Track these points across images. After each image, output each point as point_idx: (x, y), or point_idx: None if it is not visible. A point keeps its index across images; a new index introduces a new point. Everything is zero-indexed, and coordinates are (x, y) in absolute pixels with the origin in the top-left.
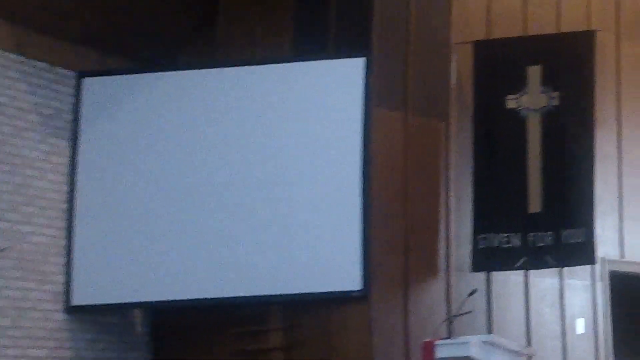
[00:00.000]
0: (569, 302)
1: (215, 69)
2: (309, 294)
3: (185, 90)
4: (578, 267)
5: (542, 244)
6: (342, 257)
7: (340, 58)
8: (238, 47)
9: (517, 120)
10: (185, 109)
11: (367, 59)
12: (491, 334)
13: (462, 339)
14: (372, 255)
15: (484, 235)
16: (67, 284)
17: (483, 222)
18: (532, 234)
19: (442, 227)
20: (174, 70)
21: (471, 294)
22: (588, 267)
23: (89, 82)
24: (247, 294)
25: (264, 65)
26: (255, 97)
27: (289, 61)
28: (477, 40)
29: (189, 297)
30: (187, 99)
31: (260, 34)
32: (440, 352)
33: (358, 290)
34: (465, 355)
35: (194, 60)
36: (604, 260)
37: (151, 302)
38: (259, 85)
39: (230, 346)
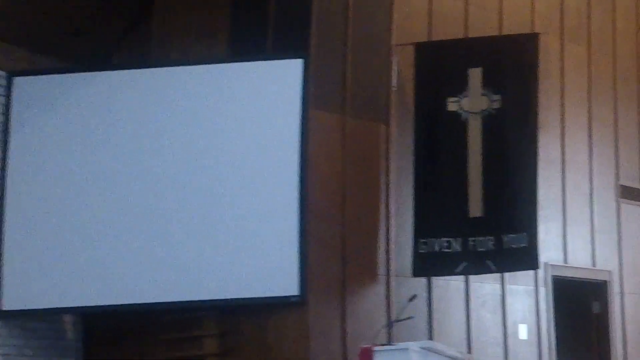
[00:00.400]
0: (510, 308)
1: (149, 69)
2: (245, 299)
3: (119, 91)
4: (520, 273)
5: (483, 249)
6: (280, 262)
7: (277, 59)
8: (173, 47)
9: (458, 123)
10: (118, 109)
11: (305, 61)
12: (431, 340)
13: (401, 344)
14: (310, 260)
15: (424, 240)
16: None
17: (424, 226)
18: (473, 238)
19: (382, 232)
20: (108, 70)
21: (411, 299)
22: (531, 272)
23: (19, 82)
24: (182, 299)
25: (199, 65)
26: (191, 98)
27: (225, 62)
28: (418, 42)
29: (121, 302)
30: (120, 100)
31: (196, 34)
32: (379, 359)
33: (295, 296)
34: None
35: (128, 60)
36: (547, 265)
37: (82, 307)
38: (195, 86)
39: (164, 353)
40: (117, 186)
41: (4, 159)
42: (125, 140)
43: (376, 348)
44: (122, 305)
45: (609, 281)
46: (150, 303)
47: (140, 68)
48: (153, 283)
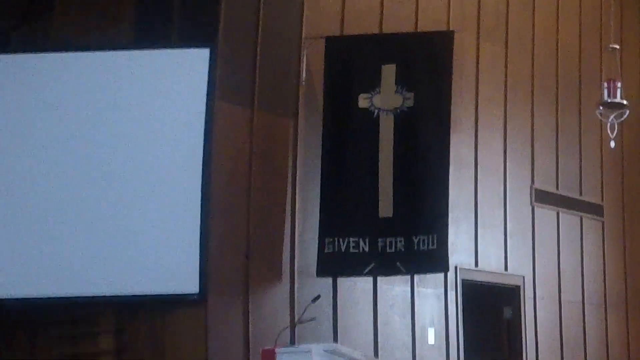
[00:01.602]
0: (419, 311)
1: (50, 53)
2: (142, 295)
3: (18, 75)
4: (430, 275)
5: (392, 250)
6: (180, 258)
7: (184, 48)
8: (75, 32)
9: (369, 120)
10: (17, 94)
11: (212, 50)
12: (336, 343)
13: (304, 346)
14: (210, 257)
15: (331, 239)
16: None
17: (330, 225)
18: (382, 239)
19: (287, 229)
20: (5, 53)
21: (315, 299)
22: (440, 275)
23: None
24: (77, 294)
25: (102, 51)
26: (94, 86)
27: (129, 49)
28: (329, 36)
29: (11, 295)
30: (19, 84)
31: (98, 20)
32: None
33: (195, 294)
34: None
35: (28, 43)
36: (457, 268)
37: None
38: (97, 72)
39: (57, 349)
40: (14, 176)
41: None
42: (23, 128)
43: (278, 350)
44: (13, 299)
45: (522, 286)
46: (43, 297)
47: (40, 52)
48: (47, 276)
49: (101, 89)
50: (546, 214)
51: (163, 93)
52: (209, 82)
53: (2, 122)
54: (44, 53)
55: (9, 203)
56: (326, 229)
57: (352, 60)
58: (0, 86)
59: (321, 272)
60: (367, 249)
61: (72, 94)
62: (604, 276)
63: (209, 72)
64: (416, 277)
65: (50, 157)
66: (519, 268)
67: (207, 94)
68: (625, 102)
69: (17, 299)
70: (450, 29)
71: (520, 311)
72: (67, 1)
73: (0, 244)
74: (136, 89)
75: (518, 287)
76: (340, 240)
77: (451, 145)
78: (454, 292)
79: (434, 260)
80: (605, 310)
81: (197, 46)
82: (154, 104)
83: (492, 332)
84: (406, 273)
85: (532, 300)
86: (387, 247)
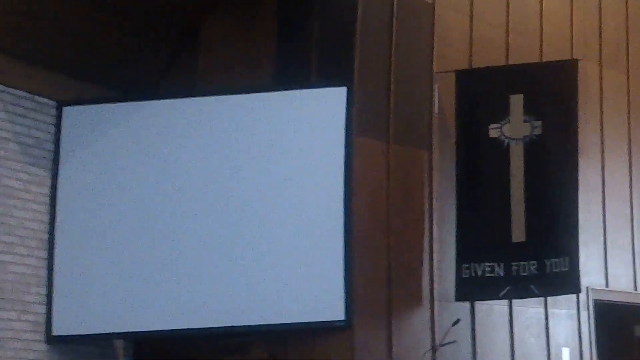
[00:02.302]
0: (553, 332)
1: (196, 98)
2: (291, 324)
3: (166, 120)
4: (562, 297)
5: (525, 273)
6: (325, 287)
7: (321, 87)
8: (219, 76)
9: (499, 149)
10: (166, 138)
11: (349, 88)
12: None
13: None
14: (355, 285)
15: (467, 265)
16: (48, 314)
17: (467, 251)
18: (515, 263)
19: (425, 257)
20: (155, 99)
21: (455, 323)
22: (572, 296)
23: (69, 111)
24: (230, 325)
25: (245, 94)
26: (237, 127)
27: (270, 90)
28: (459, 70)
29: (171, 327)
30: (168, 128)
31: (241, 63)
32: None
33: (341, 321)
34: None
35: (174, 89)
36: (588, 289)
37: (132, 332)
38: (240, 114)
39: None
40: (166, 214)
41: (55, 187)
42: (172, 169)
43: None
44: (172, 330)
45: None
46: (199, 328)
47: (186, 97)
48: (203, 308)
49: (244, 130)
50: None
51: (303, 131)
52: (346, 119)
53: (153, 163)
54: (189, 98)
55: (169, 240)
56: (463, 255)
57: (482, 91)
58: (149, 130)
59: (459, 296)
60: (502, 273)
61: (216, 136)
62: None
63: (346, 109)
64: (549, 298)
65: (201, 196)
66: None
67: (346, 130)
68: None
69: (177, 330)
70: (574, 57)
71: None
72: (210, 48)
73: (161, 279)
74: (278, 128)
75: None
76: (477, 265)
77: (579, 169)
78: (586, 313)
79: (566, 282)
80: None
81: (334, 85)
82: (294, 142)
83: (624, 351)
84: (540, 295)
85: None
86: (521, 271)
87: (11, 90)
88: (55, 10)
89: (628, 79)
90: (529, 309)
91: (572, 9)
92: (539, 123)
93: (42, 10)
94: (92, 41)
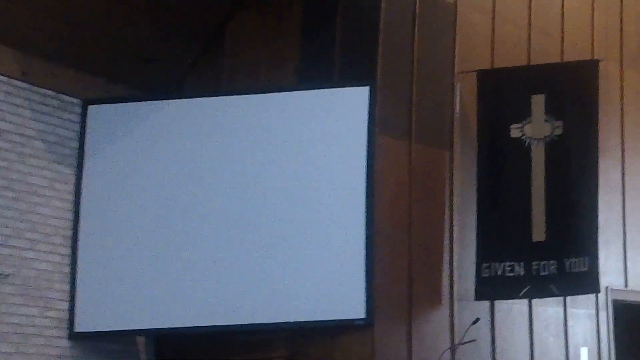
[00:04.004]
0: (572, 331)
1: (220, 97)
2: (313, 322)
3: (190, 119)
4: (582, 296)
5: (545, 273)
6: (347, 285)
7: (344, 87)
8: (243, 76)
9: (521, 149)
10: (190, 137)
11: (372, 88)
12: None
13: None
14: (376, 284)
15: (487, 264)
16: (71, 310)
17: (487, 250)
18: (536, 262)
19: (446, 256)
20: (179, 98)
21: (474, 322)
22: (592, 296)
23: (94, 110)
24: (252, 322)
25: (268, 93)
26: (260, 126)
27: (293, 89)
28: (481, 70)
29: (192, 324)
30: (192, 127)
31: (265, 63)
32: None
33: (362, 319)
34: None
35: (199, 88)
36: (607, 289)
37: (154, 329)
38: (264, 113)
39: None
40: (189, 211)
41: (79, 184)
42: (196, 167)
43: None
44: (194, 327)
45: None
46: (220, 325)
47: (211, 96)
48: (225, 305)
49: (267, 128)
50: None
51: (326, 130)
52: (369, 118)
53: (176, 161)
54: (213, 97)
55: (192, 238)
56: (483, 254)
57: (503, 91)
58: (174, 129)
59: (479, 295)
60: (522, 273)
61: (240, 134)
62: None
63: (369, 108)
64: (568, 298)
65: (223, 194)
66: None
67: (368, 129)
68: None
69: (199, 327)
70: (595, 57)
71: None
72: (235, 47)
73: (183, 276)
74: (301, 127)
75: None
76: (497, 264)
77: (599, 169)
78: (605, 312)
79: (586, 281)
80: None
81: (357, 84)
82: (317, 140)
83: None
84: (559, 295)
85: None
86: (541, 270)
87: (36, 88)
88: (80, 9)
89: None
90: (548, 309)
91: (593, 9)
92: (560, 123)
93: (67, 9)
94: (117, 40)
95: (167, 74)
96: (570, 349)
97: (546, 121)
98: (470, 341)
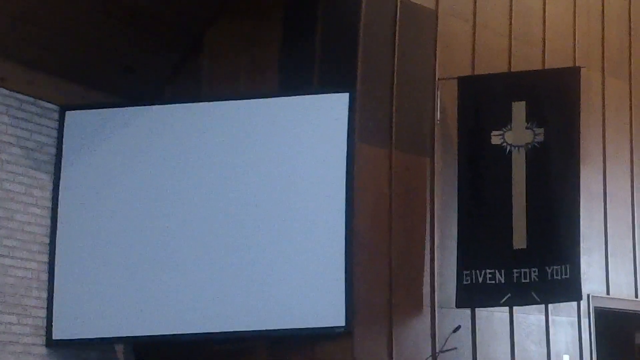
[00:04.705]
0: (554, 339)
1: (200, 103)
2: (293, 329)
3: (170, 125)
4: (563, 304)
5: (527, 280)
6: (327, 293)
7: (324, 93)
8: (223, 82)
9: (501, 156)
10: (169, 143)
11: (352, 95)
12: None
13: None
14: (356, 291)
15: (468, 271)
16: (49, 318)
17: (468, 258)
18: (517, 270)
19: (426, 263)
20: (158, 104)
21: (455, 330)
22: (573, 303)
23: (72, 116)
24: (232, 330)
25: (248, 99)
26: (240, 132)
27: (273, 96)
28: (462, 76)
29: (172, 332)
30: (171, 134)
31: (245, 69)
32: None
33: (342, 327)
34: None
35: (179, 95)
36: (589, 296)
37: (133, 336)
38: (244, 120)
39: None
40: (167, 219)
41: (57, 191)
42: (174, 174)
43: None
44: (173, 335)
45: None
46: (200, 333)
47: (190, 102)
48: (204, 313)
49: (247, 135)
50: None
51: (306, 136)
52: (349, 125)
53: (155, 168)
54: (193, 103)
55: (169, 245)
56: (464, 262)
57: (484, 98)
58: (153, 135)
59: (460, 303)
60: (503, 280)
61: (219, 141)
62: None
63: (348, 115)
64: (550, 305)
65: (202, 201)
66: None
67: (348, 136)
68: None
69: (178, 335)
70: (577, 65)
71: None
72: (214, 54)
73: (161, 283)
74: (281, 134)
75: None
76: (478, 272)
77: (581, 177)
78: (587, 320)
79: (568, 289)
80: None
81: (337, 91)
82: (297, 147)
83: (624, 358)
84: (541, 302)
85: None
86: (522, 278)
87: (14, 94)
88: (59, 15)
89: (630, 87)
90: (529, 316)
91: (575, 17)
92: (541, 130)
93: (46, 15)
94: (96, 47)
95: (147, 81)
96: (552, 357)
97: (527, 128)
98: (451, 349)
